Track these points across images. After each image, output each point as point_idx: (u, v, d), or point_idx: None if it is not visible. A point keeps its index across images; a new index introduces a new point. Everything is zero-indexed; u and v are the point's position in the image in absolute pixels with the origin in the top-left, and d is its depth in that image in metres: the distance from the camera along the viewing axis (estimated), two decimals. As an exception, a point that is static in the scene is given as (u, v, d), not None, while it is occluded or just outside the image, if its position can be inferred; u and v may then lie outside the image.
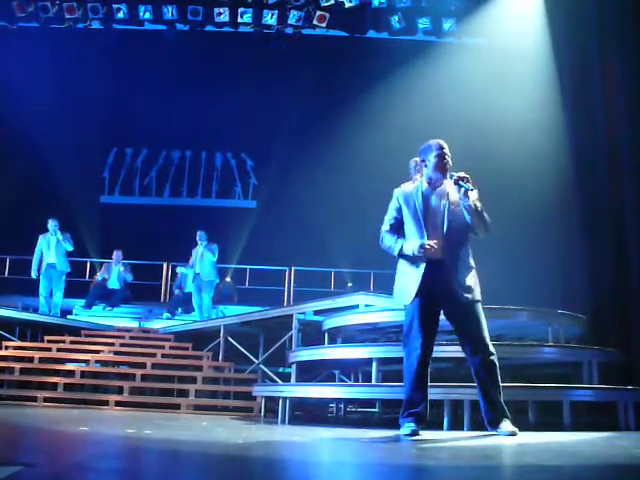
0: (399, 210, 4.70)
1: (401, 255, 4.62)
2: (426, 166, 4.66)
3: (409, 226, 4.63)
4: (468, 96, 10.78)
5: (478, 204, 4.52)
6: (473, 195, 4.50)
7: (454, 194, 4.61)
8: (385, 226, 4.74)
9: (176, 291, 11.98)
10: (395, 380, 6.01)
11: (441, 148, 4.62)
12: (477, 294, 4.55)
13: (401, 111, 11.79)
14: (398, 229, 4.69)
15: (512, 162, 9.00)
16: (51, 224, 10.91)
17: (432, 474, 2.96)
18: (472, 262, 4.63)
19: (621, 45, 8.33)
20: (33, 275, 10.87)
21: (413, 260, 4.54)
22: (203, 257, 11.21)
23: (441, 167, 4.61)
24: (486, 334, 4.51)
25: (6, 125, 12.81)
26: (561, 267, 8.66)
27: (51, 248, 10.84)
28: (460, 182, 4.49)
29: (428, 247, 4.42)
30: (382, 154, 11.88)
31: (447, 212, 4.55)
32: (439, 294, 4.51)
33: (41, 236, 10.95)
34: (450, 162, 4.64)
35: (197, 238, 11.32)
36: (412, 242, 4.54)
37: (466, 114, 10.31)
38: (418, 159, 6.93)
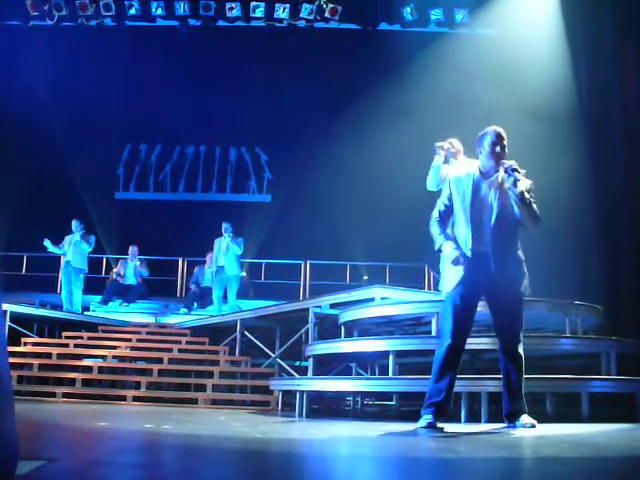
0: (449, 197, 4.56)
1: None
2: (481, 153, 4.53)
3: (458, 215, 4.52)
4: (482, 87, 10.70)
5: (527, 195, 4.41)
6: (523, 185, 4.39)
7: (506, 185, 4.50)
8: (435, 212, 4.63)
9: (192, 287, 12.01)
10: (412, 373, 6.02)
11: (497, 136, 4.47)
12: (523, 288, 4.48)
13: (416, 104, 11.70)
14: (447, 217, 4.59)
15: (527, 153, 8.94)
16: (73, 224, 11.12)
17: (451, 466, 2.96)
18: (521, 255, 4.53)
19: (638, 32, 8.24)
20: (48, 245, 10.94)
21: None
22: (228, 250, 11.09)
23: (494, 156, 4.46)
24: (521, 331, 4.49)
25: (21, 123, 12.90)
26: (578, 258, 8.61)
27: (70, 246, 11.03)
28: (510, 170, 4.39)
29: (457, 263, 4.36)
30: (397, 147, 11.82)
31: (497, 203, 4.43)
32: (484, 286, 4.44)
33: (68, 236, 11.16)
34: (506, 152, 4.50)
35: (223, 230, 11.13)
36: (452, 246, 4.43)
37: (480, 105, 10.23)
38: (447, 142, 6.92)
